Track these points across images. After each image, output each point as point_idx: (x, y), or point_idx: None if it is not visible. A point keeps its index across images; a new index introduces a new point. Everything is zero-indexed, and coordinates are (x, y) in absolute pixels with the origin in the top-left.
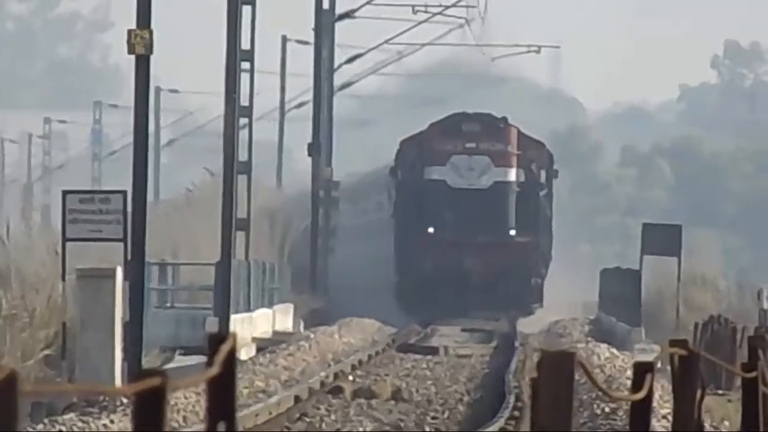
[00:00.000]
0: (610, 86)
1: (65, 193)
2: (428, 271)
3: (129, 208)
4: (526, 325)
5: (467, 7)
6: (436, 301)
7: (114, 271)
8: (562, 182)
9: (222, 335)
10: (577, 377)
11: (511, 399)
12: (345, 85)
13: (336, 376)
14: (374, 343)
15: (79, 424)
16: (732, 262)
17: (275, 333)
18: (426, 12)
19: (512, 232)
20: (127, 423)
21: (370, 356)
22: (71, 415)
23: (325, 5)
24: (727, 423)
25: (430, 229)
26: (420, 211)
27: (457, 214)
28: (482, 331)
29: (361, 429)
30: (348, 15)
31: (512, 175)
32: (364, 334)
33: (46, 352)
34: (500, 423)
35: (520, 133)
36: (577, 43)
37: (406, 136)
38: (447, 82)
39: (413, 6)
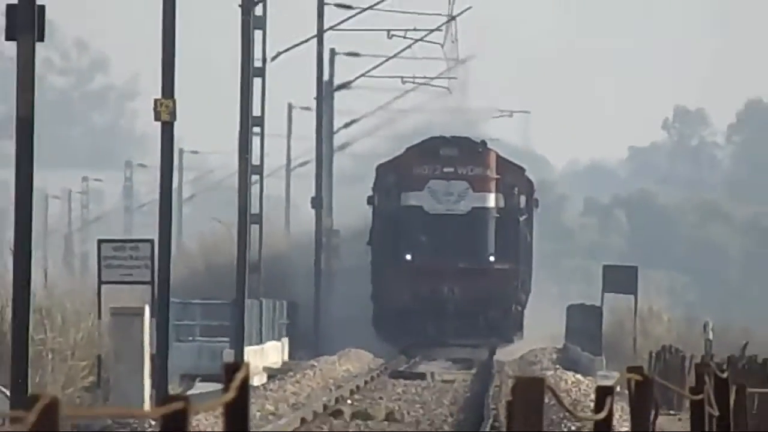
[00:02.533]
0: (573, 145)
1: (100, 242)
2: (405, 299)
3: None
4: (502, 354)
5: (449, 78)
6: (414, 330)
7: (143, 309)
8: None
9: (237, 365)
10: (546, 400)
11: (490, 420)
12: (343, 146)
13: (337, 399)
14: (370, 370)
15: None
16: (680, 299)
17: (284, 363)
18: (413, 82)
19: (491, 259)
20: None
21: (366, 382)
22: None
23: (326, 77)
24: None
25: (408, 256)
26: (397, 238)
27: (434, 240)
28: (464, 359)
29: None
30: (345, 86)
31: (491, 200)
32: (361, 362)
33: (85, 380)
34: None
35: (499, 158)
36: (544, 107)
37: (382, 161)
38: None
39: (402, 77)
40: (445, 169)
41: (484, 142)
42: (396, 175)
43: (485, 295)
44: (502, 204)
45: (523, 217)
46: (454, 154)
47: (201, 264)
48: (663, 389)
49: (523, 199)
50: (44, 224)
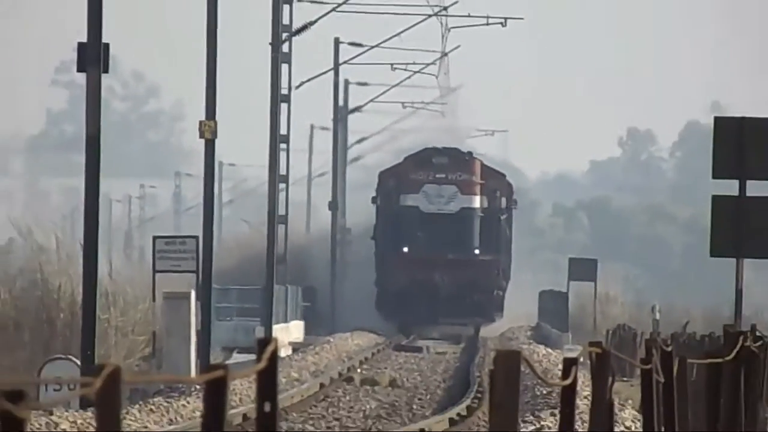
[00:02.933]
0: (543, 159)
1: (155, 238)
2: (403, 284)
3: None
4: (485, 331)
5: (442, 103)
6: (410, 310)
7: (189, 293)
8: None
9: (267, 339)
10: (522, 369)
11: (475, 385)
12: (355, 159)
13: (349, 369)
14: (376, 345)
15: (164, 404)
16: (632, 286)
17: (305, 338)
18: (412, 107)
19: (477, 251)
20: (199, 403)
21: (373, 354)
22: (159, 398)
23: (341, 102)
24: (630, 401)
25: (405, 249)
26: (396, 233)
27: (428, 235)
28: (453, 335)
29: (367, 407)
30: (357, 110)
31: (477, 201)
32: (369, 339)
33: (142, 352)
34: (467, 402)
35: (483, 165)
36: (520, 127)
37: (384, 168)
38: None
39: (403, 103)
40: (438, 175)
41: (470, 153)
42: (395, 180)
43: (471, 281)
44: (486, 205)
45: (504, 216)
46: (445, 162)
47: (237, 256)
48: (618, 360)
49: (504, 200)
50: (108, 223)
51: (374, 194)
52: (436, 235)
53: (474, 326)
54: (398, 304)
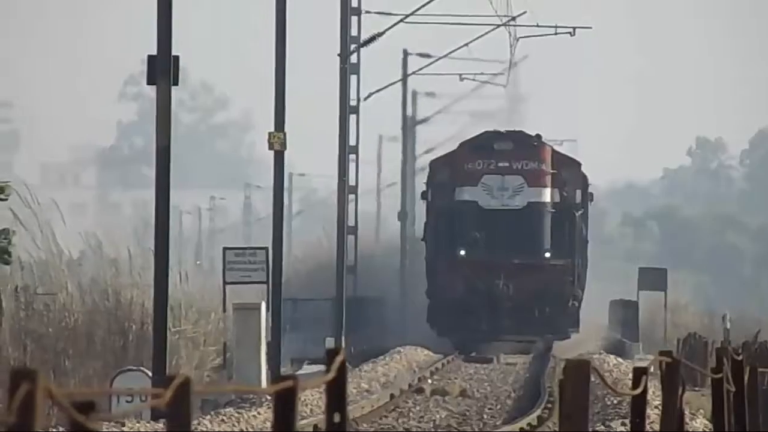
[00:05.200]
0: (612, 168)
1: (225, 249)
2: (459, 294)
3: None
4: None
5: (511, 113)
6: (468, 326)
7: (259, 304)
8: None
9: (337, 350)
10: (592, 379)
11: (546, 396)
12: (424, 169)
13: (419, 379)
14: (446, 355)
15: (235, 414)
16: (702, 295)
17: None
18: (481, 117)
19: (547, 254)
20: (269, 414)
21: (443, 364)
22: (230, 408)
23: (409, 113)
24: (702, 411)
25: (462, 252)
26: (451, 234)
27: (489, 235)
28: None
29: (437, 417)
30: (424, 120)
31: (547, 195)
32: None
33: (213, 363)
34: (537, 412)
35: (554, 152)
36: (588, 135)
37: (436, 156)
38: None
39: (471, 113)
40: (500, 164)
41: (539, 136)
42: (450, 170)
43: (540, 291)
44: (557, 199)
45: (579, 212)
46: (509, 148)
47: (307, 267)
48: (689, 370)
49: (578, 193)
50: (179, 234)
51: (424, 187)
52: (498, 235)
53: (545, 344)
54: (453, 318)
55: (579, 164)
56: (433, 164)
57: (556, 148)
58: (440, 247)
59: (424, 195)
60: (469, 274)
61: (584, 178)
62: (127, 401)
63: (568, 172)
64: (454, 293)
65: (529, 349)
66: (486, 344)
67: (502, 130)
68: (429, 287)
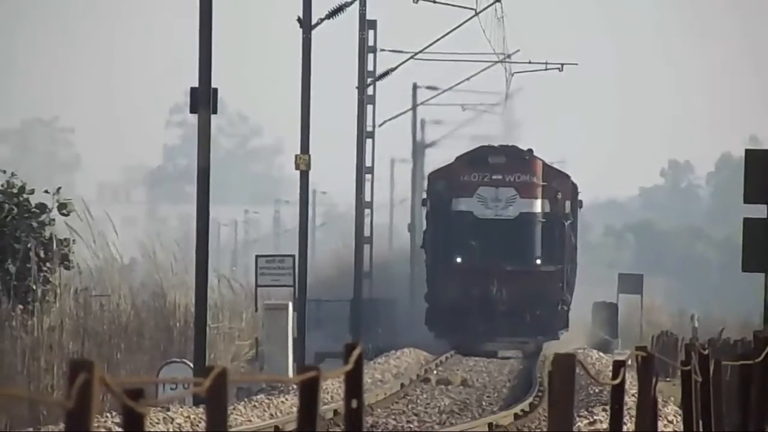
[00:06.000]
0: (595, 185)
1: (257, 257)
2: (456, 298)
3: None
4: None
5: (506, 138)
6: (464, 328)
7: (287, 305)
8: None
9: (354, 345)
10: (577, 370)
11: (537, 385)
12: None
13: (426, 370)
14: (449, 350)
15: (266, 400)
16: (674, 298)
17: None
18: (480, 141)
19: (538, 261)
20: (295, 400)
21: (447, 358)
22: (261, 395)
23: (418, 138)
24: (672, 398)
25: (458, 259)
26: (447, 242)
27: (483, 243)
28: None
29: (441, 404)
30: (432, 144)
31: (537, 205)
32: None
33: (247, 356)
34: (530, 399)
35: (545, 165)
36: (574, 156)
37: (434, 169)
38: None
39: (472, 138)
40: (494, 176)
41: (530, 150)
42: (446, 182)
43: (532, 296)
44: (548, 209)
45: (568, 221)
46: (502, 161)
47: (328, 272)
48: (661, 363)
49: (567, 204)
50: (217, 244)
51: (423, 197)
52: (492, 243)
53: (536, 345)
54: (450, 321)
55: (568, 176)
56: (432, 176)
57: None
58: (438, 255)
59: (424, 203)
60: (464, 280)
61: (574, 187)
62: (171, 389)
63: (557, 183)
64: (451, 298)
65: (522, 348)
66: (480, 346)
67: (496, 144)
68: (428, 292)
